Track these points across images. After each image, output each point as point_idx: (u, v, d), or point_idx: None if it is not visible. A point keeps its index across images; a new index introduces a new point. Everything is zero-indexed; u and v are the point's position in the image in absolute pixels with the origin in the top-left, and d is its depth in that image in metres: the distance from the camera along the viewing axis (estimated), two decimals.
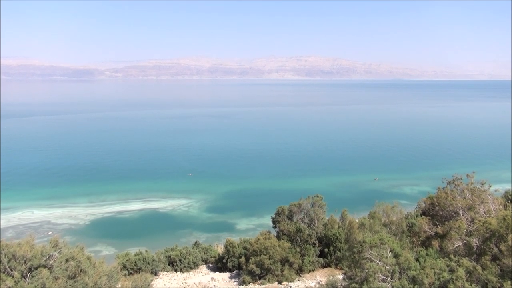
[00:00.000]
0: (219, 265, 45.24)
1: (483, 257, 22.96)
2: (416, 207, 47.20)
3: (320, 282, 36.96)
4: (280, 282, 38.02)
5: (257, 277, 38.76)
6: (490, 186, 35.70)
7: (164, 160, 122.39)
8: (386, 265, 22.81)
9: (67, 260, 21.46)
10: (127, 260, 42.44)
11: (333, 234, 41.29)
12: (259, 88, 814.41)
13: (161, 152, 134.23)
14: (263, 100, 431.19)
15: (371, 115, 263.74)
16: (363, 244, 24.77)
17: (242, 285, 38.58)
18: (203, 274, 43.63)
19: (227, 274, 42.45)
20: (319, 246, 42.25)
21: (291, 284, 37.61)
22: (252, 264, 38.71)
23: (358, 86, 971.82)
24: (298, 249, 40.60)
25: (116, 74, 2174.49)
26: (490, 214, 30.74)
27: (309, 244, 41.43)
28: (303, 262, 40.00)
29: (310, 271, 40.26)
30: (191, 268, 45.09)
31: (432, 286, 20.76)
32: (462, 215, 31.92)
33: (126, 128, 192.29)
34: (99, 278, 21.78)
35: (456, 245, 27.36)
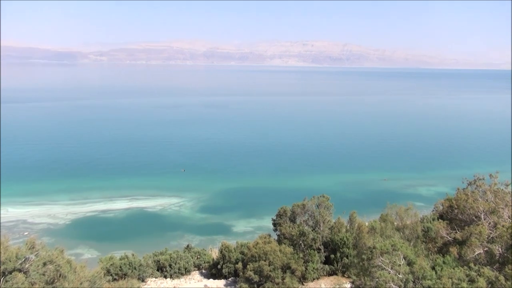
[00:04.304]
0: (213, 271, 45.33)
1: (506, 266, 22.97)
2: (433, 210, 47.22)
3: None
4: None
5: (255, 285, 38.85)
6: None
7: (153, 154, 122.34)
8: (399, 274, 22.82)
9: (44, 264, 21.43)
10: (111, 265, 42.51)
11: (340, 239, 41.34)
12: (260, 75, 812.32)
13: (150, 145, 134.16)
14: (264, 88, 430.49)
15: (384, 107, 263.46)
16: (374, 250, 24.76)
17: None
18: (195, 281, 43.72)
19: (222, 282, 42.53)
20: (324, 251, 42.33)
21: None
22: (250, 270, 38.77)
23: (370, 75, 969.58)
24: (301, 255, 40.66)
25: (101, 58, 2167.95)
26: None
27: (314, 250, 41.49)
28: (306, 269, 40.08)
29: (314, 279, 40.35)
30: (182, 274, 45.19)
31: None
32: (484, 219, 31.91)
33: (111, 118, 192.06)
34: (80, 284, 21.78)
35: (476, 253, 27.38)
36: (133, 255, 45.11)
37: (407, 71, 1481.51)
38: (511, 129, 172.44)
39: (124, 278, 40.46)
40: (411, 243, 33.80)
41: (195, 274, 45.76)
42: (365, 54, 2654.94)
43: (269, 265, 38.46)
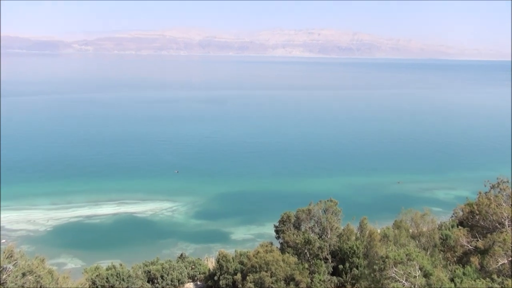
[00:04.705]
0: (209, 283, 45.27)
1: None
2: (452, 216, 47.13)
3: None
4: None
5: None
6: None
7: (144, 154, 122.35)
8: (414, 286, 22.77)
9: (24, 275, 21.39)
10: (97, 276, 42.48)
11: (350, 247, 41.25)
12: (261, 67, 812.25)
13: (140, 144, 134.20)
14: (266, 81, 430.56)
15: (397, 103, 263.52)
16: (386, 260, 24.70)
17: None
18: None
19: None
20: (332, 261, 42.25)
21: None
22: (250, 282, 38.71)
23: (382, 66, 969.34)
24: (306, 265, 40.59)
25: (86, 48, 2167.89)
26: None
27: (320, 259, 41.41)
28: (312, 281, 40.00)
29: None
30: (175, 286, 45.13)
31: None
32: (508, 226, 31.85)
33: (97, 114, 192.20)
34: None
35: (500, 263, 27.30)
36: (121, 265, 45.07)
37: (423, 62, 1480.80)
38: None
39: None
40: (428, 252, 33.72)
41: (190, 286, 45.70)
42: (376, 43, 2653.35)
43: (271, 277, 38.39)
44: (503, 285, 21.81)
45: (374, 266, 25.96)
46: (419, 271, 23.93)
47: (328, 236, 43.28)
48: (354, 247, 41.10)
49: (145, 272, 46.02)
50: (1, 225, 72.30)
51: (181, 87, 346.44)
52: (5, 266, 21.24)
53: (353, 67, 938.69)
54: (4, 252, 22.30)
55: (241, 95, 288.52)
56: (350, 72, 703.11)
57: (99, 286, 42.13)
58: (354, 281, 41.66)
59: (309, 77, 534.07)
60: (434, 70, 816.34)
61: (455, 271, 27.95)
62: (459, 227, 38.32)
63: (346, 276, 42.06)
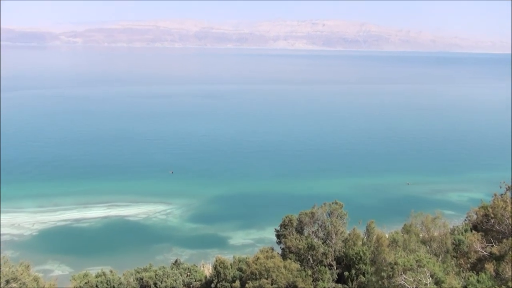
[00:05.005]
0: None
1: None
2: (465, 220, 47.14)
3: None
4: None
5: None
6: None
7: (136, 153, 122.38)
8: None
9: (7, 282, 21.39)
10: (86, 283, 42.49)
11: (356, 253, 41.26)
12: (262, 60, 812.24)
13: (132, 143, 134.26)
14: (267, 76, 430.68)
15: (407, 99, 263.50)
16: (395, 266, 24.70)
17: None
18: None
19: None
20: (337, 268, 42.25)
21: None
22: None
23: (391, 59, 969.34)
24: (309, 272, 40.60)
25: (74, 39, 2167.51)
26: None
27: (324, 266, 41.42)
28: None
29: None
30: None
31: None
32: None
33: (87, 111, 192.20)
34: None
35: None
36: (111, 272, 45.08)
37: (434, 55, 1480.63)
38: None
39: None
40: (439, 259, 33.73)
41: None
42: (385, 35, 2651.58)
43: (271, 284, 38.40)
44: None
45: (382, 273, 25.97)
46: (430, 279, 23.93)
47: (333, 241, 43.30)
48: (361, 252, 41.10)
49: (137, 279, 46.02)
50: None
51: (176, 81, 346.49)
52: None
53: (359, 60, 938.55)
54: None
55: (240, 90, 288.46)
56: (356, 65, 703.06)
57: None
58: None
59: (312, 71, 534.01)
60: (446, 64, 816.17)
61: (468, 279, 27.95)
62: (473, 231, 38.31)
63: (352, 284, 42.07)
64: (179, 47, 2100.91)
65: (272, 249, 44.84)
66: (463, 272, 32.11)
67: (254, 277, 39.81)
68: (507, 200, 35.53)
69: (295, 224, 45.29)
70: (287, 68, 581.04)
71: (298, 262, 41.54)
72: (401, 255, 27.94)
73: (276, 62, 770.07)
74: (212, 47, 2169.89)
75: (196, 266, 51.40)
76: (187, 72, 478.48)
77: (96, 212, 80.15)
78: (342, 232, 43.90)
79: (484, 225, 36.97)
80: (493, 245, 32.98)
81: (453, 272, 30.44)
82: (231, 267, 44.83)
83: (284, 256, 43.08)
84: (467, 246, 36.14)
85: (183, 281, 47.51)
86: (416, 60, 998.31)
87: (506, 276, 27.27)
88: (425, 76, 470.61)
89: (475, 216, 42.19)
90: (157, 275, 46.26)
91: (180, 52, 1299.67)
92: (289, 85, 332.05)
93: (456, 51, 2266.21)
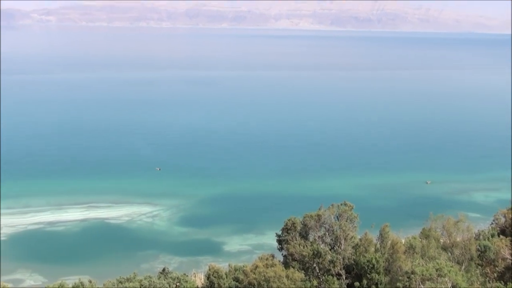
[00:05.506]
0: None
1: None
2: (492, 223, 47.27)
3: None
4: None
5: None
6: None
7: (118, 147, 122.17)
8: None
9: None
10: None
11: (368, 261, 41.31)
12: (261, 42, 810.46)
13: (114, 135, 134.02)
14: (267, 60, 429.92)
15: (427, 86, 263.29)
16: (412, 276, 24.73)
17: None
18: None
19: None
20: (346, 278, 42.31)
21: None
22: None
23: (408, 41, 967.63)
24: (315, 283, 40.68)
25: (47, 18, 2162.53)
26: None
27: (332, 275, 41.48)
28: None
29: None
30: None
31: None
32: None
33: (61, 98, 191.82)
34: None
35: None
36: (90, 282, 45.10)
37: (458, 36, 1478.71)
38: None
39: None
40: (463, 267, 33.80)
41: None
42: (402, 14, 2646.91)
43: None
44: None
45: (398, 284, 26.05)
46: None
47: (342, 247, 43.37)
48: (373, 260, 41.17)
49: None
50: None
51: (163, 66, 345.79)
52: None
53: (373, 42, 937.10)
54: None
55: (236, 76, 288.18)
56: (369, 48, 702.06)
57: None
58: None
59: (319, 55, 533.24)
60: (471, 46, 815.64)
61: None
62: (501, 236, 38.41)
63: None
64: (167, 26, 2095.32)
65: (273, 256, 44.96)
66: (489, 282, 32.20)
67: (252, 287, 39.90)
68: None
69: (299, 228, 45.35)
70: (290, 51, 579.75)
71: (303, 271, 41.65)
72: (419, 263, 27.98)
73: (278, 44, 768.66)
74: (205, 27, 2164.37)
75: (187, 276, 51.44)
76: (176, 55, 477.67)
77: (73, 214, 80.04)
78: (352, 237, 43.99)
79: None
80: None
81: (478, 282, 30.54)
82: (226, 277, 44.92)
83: (286, 264, 43.20)
84: (494, 253, 36.22)
85: None
86: (437, 42, 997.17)
87: None
88: (447, 60, 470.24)
89: (503, 219, 42.32)
90: (142, 285, 46.30)
91: (168, 33, 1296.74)
92: (291, 71, 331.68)
93: (482, 32, 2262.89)
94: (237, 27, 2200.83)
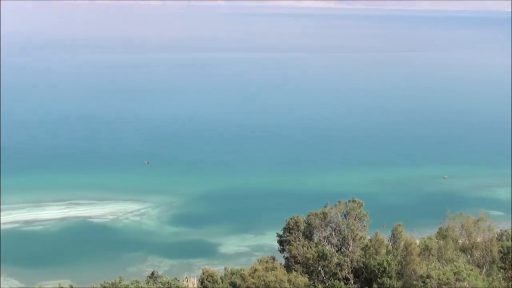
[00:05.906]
0: None
1: None
2: None
3: None
4: None
5: None
6: None
7: (102, 138, 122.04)
8: None
9: None
10: None
11: (379, 264, 41.38)
12: (260, 21, 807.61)
13: (97, 125, 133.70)
14: (266, 41, 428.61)
15: (444, 70, 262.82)
16: (428, 280, 24.80)
17: None
18: None
19: None
20: (354, 282, 42.41)
21: None
22: None
23: (425, 20, 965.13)
24: (320, 287, 40.81)
25: None
26: None
27: (339, 280, 41.58)
28: None
29: None
30: None
31: None
32: None
33: (39, 84, 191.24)
34: None
35: None
36: (71, 287, 45.19)
37: (483, 15, 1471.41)
38: None
39: None
40: (483, 270, 33.88)
41: None
42: None
43: None
44: None
45: None
46: None
47: (350, 249, 43.49)
48: (385, 263, 41.29)
49: None
50: None
51: (152, 48, 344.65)
52: None
53: (385, 21, 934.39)
54: None
55: (233, 58, 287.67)
56: (381, 28, 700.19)
57: None
58: None
59: (324, 35, 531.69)
60: (496, 26, 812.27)
61: None
62: None
63: None
64: (157, 4, 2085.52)
65: (274, 258, 45.04)
66: None
67: None
68: None
69: (302, 227, 45.41)
70: (293, 31, 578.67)
71: (306, 275, 41.78)
72: (435, 266, 28.03)
73: (279, 23, 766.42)
74: (199, 4, 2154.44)
75: (178, 280, 51.57)
76: (167, 36, 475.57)
77: (52, 212, 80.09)
78: (361, 238, 44.06)
79: None
80: None
81: (500, 287, 30.61)
82: (222, 281, 45.07)
83: (288, 268, 43.31)
84: None
85: None
86: (458, 20, 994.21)
87: None
88: (469, 42, 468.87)
89: None
90: None
91: (158, 11, 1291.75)
92: (294, 53, 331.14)
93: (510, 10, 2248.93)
94: (234, 4, 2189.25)
